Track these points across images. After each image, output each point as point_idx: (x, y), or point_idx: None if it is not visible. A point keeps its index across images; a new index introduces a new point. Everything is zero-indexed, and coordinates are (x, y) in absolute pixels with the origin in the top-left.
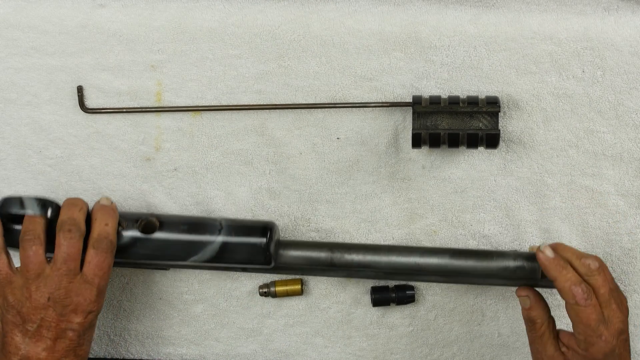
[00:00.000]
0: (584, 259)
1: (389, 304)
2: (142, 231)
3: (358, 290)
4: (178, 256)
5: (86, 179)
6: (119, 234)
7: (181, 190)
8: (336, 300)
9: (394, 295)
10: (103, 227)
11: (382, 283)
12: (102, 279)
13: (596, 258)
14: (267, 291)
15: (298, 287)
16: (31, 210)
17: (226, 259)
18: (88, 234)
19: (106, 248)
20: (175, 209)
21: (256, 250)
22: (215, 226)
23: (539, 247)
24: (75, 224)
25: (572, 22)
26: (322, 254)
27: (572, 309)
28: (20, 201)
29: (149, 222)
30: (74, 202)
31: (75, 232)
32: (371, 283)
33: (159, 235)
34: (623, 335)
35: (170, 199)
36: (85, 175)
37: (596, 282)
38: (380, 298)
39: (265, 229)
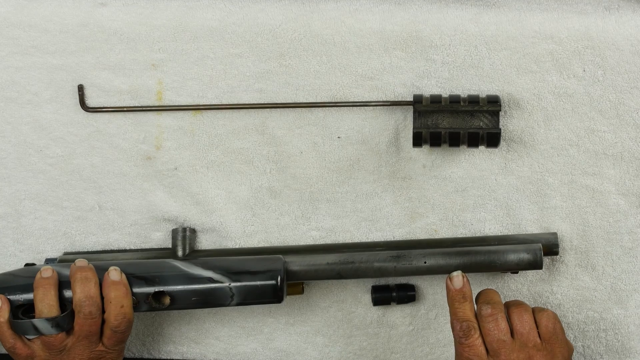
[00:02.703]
0: (484, 304)
1: (389, 303)
2: (155, 305)
3: (359, 290)
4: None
5: (87, 178)
6: (134, 306)
7: (182, 189)
8: (337, 299)
9: (394, 294)
10: (119, 310)
11: (382, 282)
12: (122, 345)
13: (493, 307)
14: None
15: (299, 286)
16: (47, 331)
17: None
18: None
19: (125, 329)
20: (176, 207)
21: (269, 299)
22: (226, 295)
23: (450, 274)
24: (94, 304)
25: (573, 21)
26: (329, 269)
27: (454, 340)
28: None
29: (159, 300)
30: (87, 275)
31: (95, 312)
32: (372, 282)
33: (172, 306)
34: None
35: (171, 198)
36: (85, 174)
37: (482, 328)
38: (381, 297)
39: (275, 289)
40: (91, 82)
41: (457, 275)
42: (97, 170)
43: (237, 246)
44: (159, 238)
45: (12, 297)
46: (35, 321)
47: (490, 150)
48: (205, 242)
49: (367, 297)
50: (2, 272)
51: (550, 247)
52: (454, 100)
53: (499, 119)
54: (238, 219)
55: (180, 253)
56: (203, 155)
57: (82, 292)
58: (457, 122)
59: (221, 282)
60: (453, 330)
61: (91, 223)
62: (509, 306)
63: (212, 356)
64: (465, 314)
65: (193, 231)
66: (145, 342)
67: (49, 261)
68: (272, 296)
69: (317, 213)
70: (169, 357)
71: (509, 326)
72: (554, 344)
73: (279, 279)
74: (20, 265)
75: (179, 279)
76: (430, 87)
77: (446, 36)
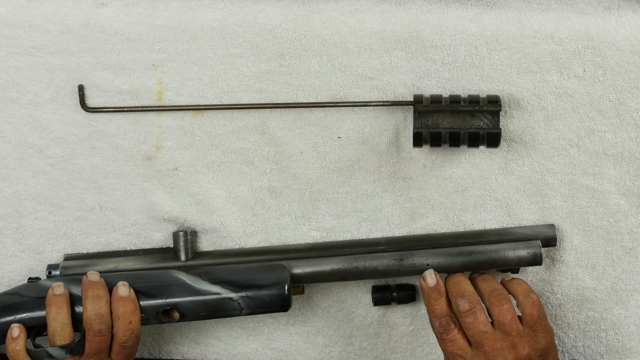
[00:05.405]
0: (459, 298)
1: (390, 303)
2: (165, 320)
3: (359, 290)
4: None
5: (87, 178)
6: (144, 322)
7: (182, 190)
8: (337, 300)
9: (395, 294)
10: (127, 325)
11: (383, 282)
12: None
13: (469, 301)
14: None
15: (300, 286)
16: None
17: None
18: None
19: (133, 344)
20: (176, 208)
21: (277, 309)
22: (234, 308)
23: (422, 274)
24: (103, 322)
25: (573, 21)
26: (333, 273)
27: (437, 339)
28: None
29: (169, 315)
30: (98, 293)
31: (105, 330)
32: (372, 282)
33: (181, 320)
34: None
35: (171, 198)
36: (86, 175)
37: (462, 323)
38: (381, 297)
39: (282, 299)
40: (91, 82)
41: (430, 274)
42: (97, 171)
43: (237, 246)
44: (160, 238)
45: (20, 316)
46: (50, 350)
47: (491, 150)
48: (205, 242)
49: (368, 297)
50: (6, 290)
51: (548, 240)
52: (454, 100)
53: (499, 119)
54: (238, 219)
55: (183, 257)
56: (203, 156)
57: (93, 309)
58: (457, 122)
59: (229, 297)
60: (433, 328)
61: (91, 223)
62: (483, 293)
63: (213, 356)
64: (442, 310)
65: (194, 233)
66: (146, 342)
67: (50, 267)
68: (280, 307)
69: (318, 213)
70: (169, 357)
71: (488, 316)
72: (538, 330)
73: (285, 289)
74: (20, 265)
75: (188, 295)
76: (430, 87)
77: (446, 36)
